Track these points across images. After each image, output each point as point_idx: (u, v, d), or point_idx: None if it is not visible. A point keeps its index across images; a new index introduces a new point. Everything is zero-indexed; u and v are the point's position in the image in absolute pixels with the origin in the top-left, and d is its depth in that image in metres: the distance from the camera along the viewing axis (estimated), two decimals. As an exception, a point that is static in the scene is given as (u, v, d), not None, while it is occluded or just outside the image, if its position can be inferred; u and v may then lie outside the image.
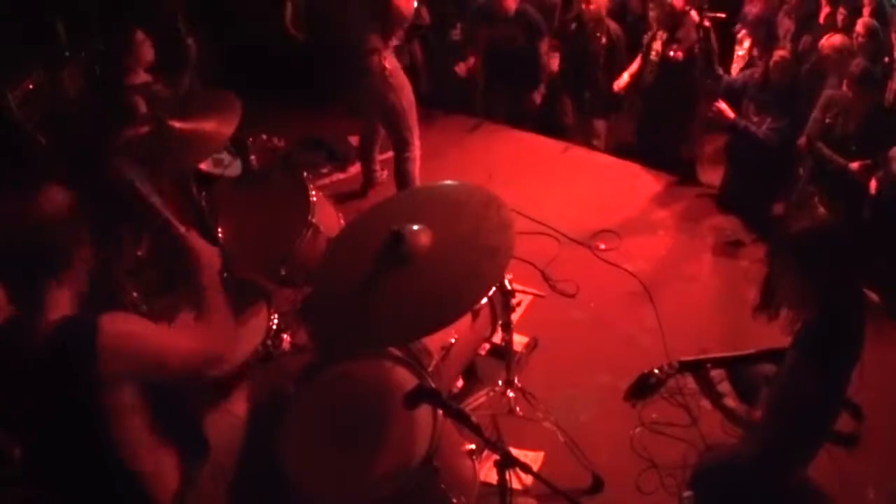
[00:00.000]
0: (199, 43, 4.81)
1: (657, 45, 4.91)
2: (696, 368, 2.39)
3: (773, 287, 2.18)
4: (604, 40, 5.28)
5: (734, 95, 4.66)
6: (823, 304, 2.05)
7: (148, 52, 3.85)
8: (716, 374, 2.37)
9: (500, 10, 5.26)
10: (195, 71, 4.68)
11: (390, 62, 4.30)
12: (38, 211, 1.74)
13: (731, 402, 2.28)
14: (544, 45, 5.45)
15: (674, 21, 4.76)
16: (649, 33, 5.15)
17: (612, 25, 5.33)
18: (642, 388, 2.43)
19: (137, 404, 1.83)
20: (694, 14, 4.78)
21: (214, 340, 2.00)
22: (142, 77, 3.82)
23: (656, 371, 2.40)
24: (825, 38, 4.43)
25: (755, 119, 4.48)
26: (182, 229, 2.16)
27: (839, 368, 2.09)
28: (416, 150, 4.55)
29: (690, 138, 4.95)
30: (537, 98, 5.58)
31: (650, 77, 4.98)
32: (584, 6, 5.25)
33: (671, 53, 4.75)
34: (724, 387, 2.35)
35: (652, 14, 5.17)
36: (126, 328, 1.79)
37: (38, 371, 1.73)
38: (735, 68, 5.31)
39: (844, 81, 4.06)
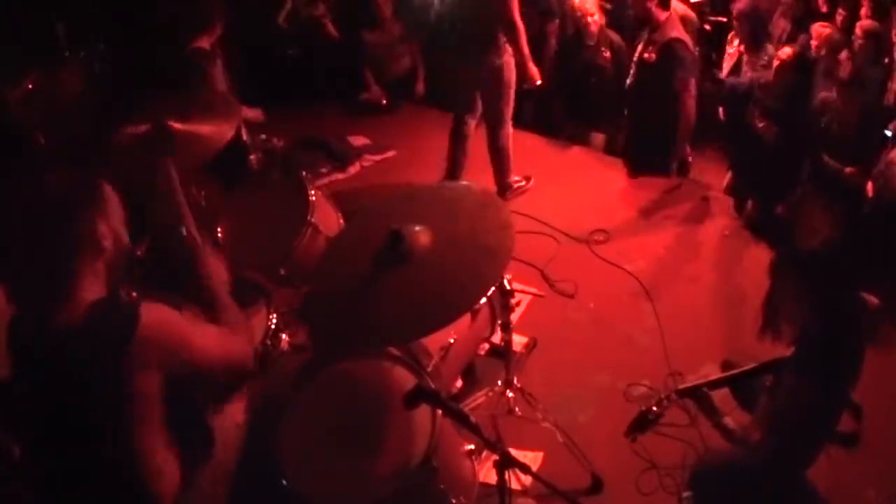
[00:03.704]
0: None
1: (640, 48, 4.81)
2: (695, 393, 2.40)
3: (776, 306, 2.18)
4: (608, 53, 5.22)
5: (739, 99, 4.64)
6: (826, 320, 2.06)
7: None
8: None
9: None
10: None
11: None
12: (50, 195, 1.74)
13: (729, 421, 2.29)
14: (553, 27, 5.39)
15: (646, 22, 4.59)
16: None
17: (615, 37, 5.26)
18: (642, 424, 2.45)
19: (160, 396, 1.81)
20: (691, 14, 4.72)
21: (241, 344, 1.99)
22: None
23: (654, 408, 2.43)
24: (815, 25, 4.41)
25: (761, 124, 4.43)
26: (196, 235, 2.16)
27: (841, 381, 2.10)
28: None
29: (677, 141, 4.84)
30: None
31: (630, 81, 4.84)
32: (585, 21, 5.16)
33: (645, 55, 4.63)
34: (722, 398, 2.36)
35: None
36: (164, 317, 1.80)
37: (63, 353, 1.70)
38: (725, 67, 5.25)
39: (835, 88, 4.06)
